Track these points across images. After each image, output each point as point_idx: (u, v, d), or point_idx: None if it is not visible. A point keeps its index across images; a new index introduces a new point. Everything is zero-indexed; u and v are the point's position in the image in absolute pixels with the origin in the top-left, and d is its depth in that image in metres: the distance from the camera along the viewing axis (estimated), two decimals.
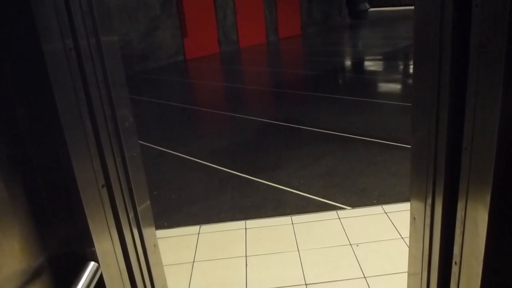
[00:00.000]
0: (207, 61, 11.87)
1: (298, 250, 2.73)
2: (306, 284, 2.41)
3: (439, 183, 0.95)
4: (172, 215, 3.36)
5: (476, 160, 0.79)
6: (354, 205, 3.25)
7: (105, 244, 0.98)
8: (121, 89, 1.06)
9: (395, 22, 18.18)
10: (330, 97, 6.74)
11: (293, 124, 5.44)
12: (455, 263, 0.92)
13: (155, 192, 3.78)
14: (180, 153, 4.73)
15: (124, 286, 1.07)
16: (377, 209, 3.14)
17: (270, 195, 3.53)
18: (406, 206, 3.09)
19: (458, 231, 0.89)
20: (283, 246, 2.79)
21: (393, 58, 10.23)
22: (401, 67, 9.45)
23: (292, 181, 3.76)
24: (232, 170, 4.12)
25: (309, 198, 3.42)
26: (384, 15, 22.08)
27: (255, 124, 5.69)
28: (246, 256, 2.72)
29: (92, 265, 0.88)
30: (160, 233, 3.06)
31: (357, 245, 2.71)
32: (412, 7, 0.99)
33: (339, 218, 3.05)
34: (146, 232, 1.20)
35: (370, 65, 9.90)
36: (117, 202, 1.03)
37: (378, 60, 10.16)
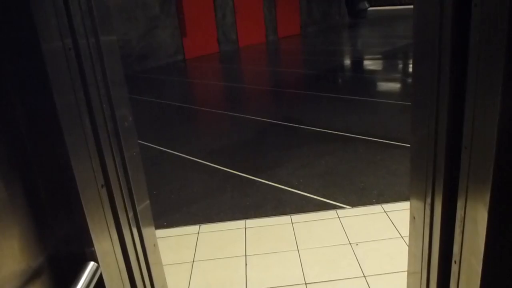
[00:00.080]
0: (207, 61, 11.87)
1: (297, 249, 2.73)
2: (306, 284, 2.41)
3: (438, 182, 0.95)
4: (171, 214, 3.36)
5: (476, 159, 0.79)
6: (353, 204, 3.25)
7: (105, 244, 0.98)
8: (121, 88, 1.06)
9: (394, 21, 18.19)
10: (330, 96, 6.74)
11: (292, 124, 5.44)
12: (455, 262, 0.92)
13: (154, 192, 3.78)
14: (180, 153, 4.73)
15: (123, 286, 1.07)
16: (376, 208, 3.14)
17: (270, 195, 3.53)
18: (405, 205, 3.09)
19: (457, 230, 0.89)
20: (282, 245, 2.79)
21: (392, 57, 10.23)
22: (401, 66, 9.45)
23: (292, 180, 3.76)
24: (232, 170, 4.12)
25: (309, 197, 3.42)
26: (384, 14, 22.08)
27: (254, 123, 5.69)
28: (245, 256, 2.72)
29: (91, 265, 0.88)
30: (160, 232, 3.06)
31: (357, 244, 2.71)
32: (412, 6, 0.99)
33: (338, 217, 3.05)
34: (146, 231, 1.20)
35: (370, 64, 9.90)
36: (116, 202, 1.03)
37: (378, 59, 10.17)
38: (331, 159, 4.14)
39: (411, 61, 8.65)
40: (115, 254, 1.03)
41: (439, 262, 1.00)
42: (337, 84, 8.07)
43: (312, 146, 4.57)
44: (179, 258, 2.76)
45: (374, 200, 3.28)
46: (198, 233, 3.04)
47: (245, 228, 3.03)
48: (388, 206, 3.14)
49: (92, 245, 0.91)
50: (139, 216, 1.15)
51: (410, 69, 8.32)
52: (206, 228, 3.10)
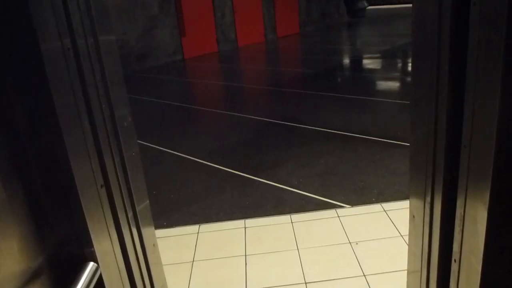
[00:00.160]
0: (206, 60, 11.86)
1: (297, 248, 2.73)
2: (305, 283, 2.41)
3: (438, 181, 0.95)
4: (171, 214, 3.36)
5: (475, 158, 0.79)
6: (353, 203, 3.25)
7: (104, 244, 0.98)
8: (120, 88, 1.06)
9: (393, 20, 18.19)
10: (329, 96, 6.74)
11: (292, 123, 5.44)
12: (455, 260, 0.92)
13: (154, 192, 3.78)
14: (179, 153, 4.73)
15: (123, 286, 1.07)
16: (376, 207, 3.14)
17: (269, 194, 3.53)
18: (405, 204, 3.09)
19: (457, 229, 0.89)
20: (282, 245, 2.79)
21: (391, 56, 10.24)
22: (400, 65, 9.46)
23: (291, 179, 3.76)
24: (231, 169, 4.12)
25: (308, 197, 3.42)
26: (382, 13, 22.08)
27: (254, 123, 5.69)
28: (245, 255, 2.72)
29: (91, 265, 0.88)
30: (159, 232, 3.06)
31: (357, 243, 2.71)
32: (410, 5, 0.99)
33: (338, 217, 3.06)
34: (145, 231, 1.20)
35: (369, 63, 9.90)
36: (116, 202, 1.03)
37: (377, 58, 10.17)
38: (330, 159, 4.14)
39: (410, 60, 8.65)
40: (114, 254, 1.03)
41: (439, 260, 1.00)
42: (336, 83, 8.07)
43: (311, 145, 4.57)
44: (179, 258, 2.75)
45: (373, 199, 3.28)
46: (198, 232, 3.04)
47: (245, 228, 3.04)
48: (387, 205, 3.14)
49: (92, 246, 0.90)
50: (138, 216, 1.15)
51: (409, 68, 8.32)
52: (206, 227, 3.10)
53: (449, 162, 0.90)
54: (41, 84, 0.79)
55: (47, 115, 0.81)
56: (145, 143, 5.07)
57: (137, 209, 1.14)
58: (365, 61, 10.16)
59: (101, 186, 0.98)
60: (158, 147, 4.95)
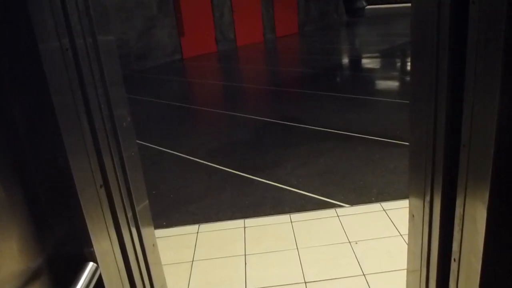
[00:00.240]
0: (205, 60, 11.86)
1: (297, 248, 2.73)
2: (305, 282, 2.41)
3: (437, 180, 0.95)
4: (170, 214, 3.36)
5: (474, 157, 0.79)
6: (352, 202, 3.26)
7: (104, 244, 0.98)
8: (119, 88, 1.06)
9: (392, 20, 18.19)
10: (328, 95, 6.74)
11: (291, 122, 5.44)
12: (454, 260, 0.92)
13: (153, 192, 3.78)
14: (178, 152, 4.73)
15: (123, 286, 1.07)
16: (375, 206, 3.14)
17: (269, 194, 3.53)
18: (404, 203, 3.10)
19: (457, 228, 0.89)
20: (282, 244, 2.79)
21: (390, 56, 10.24)
22: (399, 64, 9.46)
23: (291, 179, 3.76)
24: (231, 169, 4.12)
25: (308, 196, 3.42)
26: (381, 12, 22.08)
27: (253, 122, 5.69)
28: (245, 255, 2.72)
29: (90, 265, 0.88)
30: (159, 232, 3.06)
31: (356, 243, 2.71)
32: (409, 5, 0.99)
33: (338, 216, 3.06)
34: (145, 231, 1.19)
35: (368, 62, 9.90)
36: (115, 202, 1.03)
37: (376, 57, 10.17)
38: (330, 158, 4.14)
39: (409, 60, 8.65)
40: (114, 254, 1.03)
41: (439, 260, 1.00)
42: (335, 82, 8.07)
43: (311, 145, 4.57)
44: (178, 258, 2.75)
45: (373, 199, 3.28)
46: (198, 232, 3.04)
47: (245, 228, 3.03)
48: (387, 205, 3.14)
49: (91, 246, 0.90)
50: (138, 216, 1.15)
51: (408, 68, 8.32)
52: (206, 227, 3.10)
53: (448, 162, 0.90)
54: (39, 84, 0.79)
55: (46, 115, 0.81)
56: (144, 143, 5.07)
57: (137, 209, 1.14)
58: (364, 61, 10.16)
59: (101, 186, 0.98)
60: (157, 147, 4.95)
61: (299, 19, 16.68)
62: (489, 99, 0.72)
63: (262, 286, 2.43)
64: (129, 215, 1.11)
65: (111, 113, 1.02)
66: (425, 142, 0.97)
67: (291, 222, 3.05)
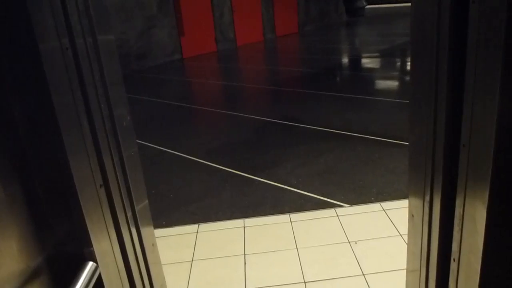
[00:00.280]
0: (205, 60, 11.86)
1: (296, 248, 2.73)
2: (304, 282, 2.41)
3: (437, 180, 0.95)
4: (170, 214, 3.36)
5: (474, 157, 0.79)
6: (352, 202, 3.26)
7: (103, 243, 0.98)
8: (118, 88, 1.06)
9: (392, 19, 18.19)
10: (328, 95, 6.74)
11: (291, 122, 5.44)
12: (454, 260, 0.92)
13: (153, 191, 3.78)
14: (178, 152, 4.73)
15: (122, 285, 1.07)
16: (375, 206, 3.14)
17: (269, 193, 3.53)
18: (404, 203, 3.10)
19: (456, 228, 0.89)
20: (281, 244, 2.79)
21: (390, 55, 10.24)
22: (399, 64, 9.46)
23: (291, 179, 3.76)
24: (230, 169, 4.12)
25: (308, 196, 3.42)
26: (381, 12, 22.09)
27: (253, 122, 5.69)
28: (244, 255, 2.72)
29: (90, 265, 0.88)
30: (159, 232, 3.06)
31: (356, 243, 2.71)
32: (409, 4, 0.99)
33: (337, 216, 3.06)
34: (144, 231, 1.20)
35: (368, 62, 9.90)
36: (115, 202, 1.03)
37: (376, 57, 10.17)
38: (330, 158, 4.14)
39: (409, 59, 8.65)
40: (114, 254, 1.03)
41: (438, 260, 1.00)
42: (335, 82, 8.07)
43: (310, 144, 4.57)
44: (178, 257, 2.75)
45: (373, 198, 3.28)
46: (197, 232, 3.04)
47: (244, 227, 3.03)
48: (386, 204, 3.14)
49: (91, 245, 0.90)
50: (137, 215, 1.15)
51: (408, 67, 8.32)
52: (205, 227, 3.10)
53: (448, 161, 0.90)
54: (39, 84, 0.79)
55: (46, 114, 0.81)
56: (144, 142, 5.07)
57: (136, 208, 1.14)
58: (364, 60, 10.16)
59: (100, 186, 0.98)
60: (157, 147, 4.95)
61: (299, 19, 16.68)
62: (489, 99, 0.72)
63: (261, 286, 2.43)
64: (129, 214, 1.11)
65: (111, 113, 1.02)
66: (425, 142, 0.97)
67: (291, 222, 3.05)
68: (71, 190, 0.86)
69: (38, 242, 0.83)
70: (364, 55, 10.85)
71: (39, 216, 0.84)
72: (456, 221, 0.88)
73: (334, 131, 4.92)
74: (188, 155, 4.60)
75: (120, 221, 1.06)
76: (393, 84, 7.61)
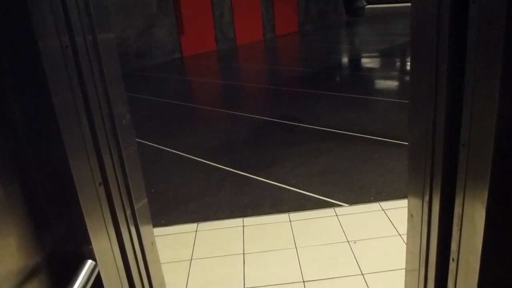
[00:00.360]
0: (204, 59, 11.85)
1: (295, 247, 2.73)
2: (303, 281, 2.42)
3: (436, 180, 0.95)
4: (169, 213, 3.36)
5: (474, 157, 0.79)
6: (351, 202, 3.26)
7: (103, 242, 0.98)
8: (118, 86, 1.06)
9: (392, 19, 18.19)
10: (328, 94, 6.74)
11: (290, 122, 5.44)
12: (453, 259, 0.92)
13: (152, 190, 3.78)
14: (178, 151, 4.73)
15: (121, 284, 1.07)
16: (374, 206, 3.15)
17: (268, 193, 3.53)
18: (403, 203, 3.10)
19: (455, 228, 0.89)
20: (280, 243, 2.79)
21: (390, 55, 10.24)
22: (398, 64, 9.46)
23: (290, 178, 3.76)
24: (230, 168, 4.12)
25: (307, 196, 3.42)
26: (381, 12, 22.08)
27: (252, 121, 5.69)
28: (243, 254, 2.72)
29: (89, 263, 0.88)
30: (158, 231, 3.06)
31: (355, 242, 2.71)
32: (409, 4, 0.99)
33: (336, 215, 3.06)
34: (144, 230, 1.20)
35: (368, 62, 9.90)
36: (114, 200, 1.03)
37: (376, 57, 10.17)
38: (329, 157, 4.14)
39: (409, 59, 8.65)
40: (113, 252, 1.03)
41: (437, 259, 1.00)
42: (335, 82, 8.07)
43: (310, 144, 4.57)
44: (177, 256, 2.75)
45: (372, 198, 3.28)
46: (196, 231, 3.04)
47: (243, 226, 3.04)
48: (386, 204, 3.14)
49: (90, 243, 0.90)
50: (137, 214, 1.15)
51: (408, 67, 8.32)
52: (204, 226, 3.10)
53: (447, 161, 0.90)
54: (39, 82, 0.79)
55: (46, 113, 0.81)
56: (143, 141, 5.07)
57: (136, 207, 1.14)
58: (364, 60, 10.16)
59: (100, 184, 0.97)
60: (157, 145, 4.95)
61: (299, 19, 16.67)
62: (489, 99, 0.72)
63: (260, 285, 2.43)
64: (128, 213, 1.11)
65: (110, 111, 1.02)
66: (425, 141, 0.97)
67: (290, 221, 3.05)
68: (70, 188, 0.86)
69: (37, 241, 0.83)
70: (364, 55, 10.85)
71: (39, 215, 0.84)
72: (455, 221, 0.89)
73: (334, 130, 4.92)
74: (187, 154, 4.60)
75: (119, 219, 1.06)
76: (392, 84, 7.62)
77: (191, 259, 2.72)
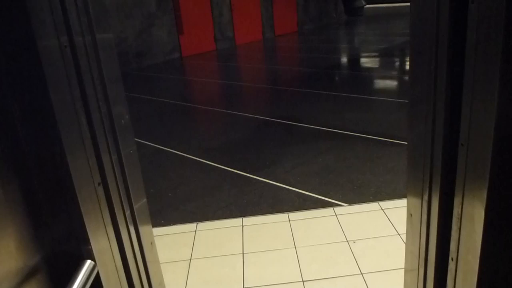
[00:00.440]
0: (203, 58, 11.85)
1: (295, 247, 2.73)
2: (303, 281, 2.42)
3: (435, 179, 0.95)
4: (168, 212, 3.36)
5: (473, 156, 0.79)
6: (350, 201, 3.26)
7: (102, 242, 0.98)
8: (117, 86, 1.06)
9: (391, 19, 18.20)
10: (327, 94, 6.74)
11: (289, 121, 5.44)
12: (452, 259, 0.92)
13: (151, 190, 3.77)
14: (177, 151, 4.73)
15: (120, 284, 1.07)
16: (373, 205, 3.15)
17: (267, 192, 3.54)
18: (402, 202, 3.10)
19: (454, 227, 0.89)
20: (280, 243, 2.79)
21: (389, 55, 10.24)
22: (398, 63, 9.46)
23: (289, 178, 3.76)
24: (229, 168, 4.12)
25: (306, 195, 3.43)
26: (380, 11, 22.09)
27: (251, 121, 5.69)
28: (243, 254, 2.72)
29: (88, 263, 0.88)
30: (157, 230, 3.06)
31: (354, 242, 2.71)
32: (408, 4, 0.99)
33: (336, 215, 3.06)
34: (143, 230, 1.19)
35: (367, 62, 9.91)
36: (113, 200, 1.03)
37: (375, 56, 10.17)
38: (328, 157, 4.14)
39: (408, 59, 8.66)
40: (112, 252, 1.03)
41: (436, 259, 1.00)
42: (334, 82, 8.07)
43: (309, 144, 4.57)
44: (176, 256, 2.75)
45: (371, 198, 3.28)
46: (196, 231, 3.04)
47: (242, 226, 3.04)
48: (385, 204, 3.15)
49: (89, 243, 0.90)
50: (136, 214, 1.15)
51: (407, 67, 8.32)
52: (203, 226, 3.10)
53: (446, 160, 0.90)
54: (38, 82, 0.79)
55: (44, 113, 0.81)
56: (142, 141, 5.07)
57: (135, 207, 1.14)
58: (363, 60, 10.16)
59: (99, 184, 0.97)
60: (156, 145, 4.95)
61: (298, 18, 16.67)
62: (488, 98, 0.72)
63: (259, 285, 2.43)
64: (127, 213, 1.11)
65: (109, 111, 1.02)
66: (424, 141, 0.97)
67: (289, 220, 3.05)
68: (69, 188, 0.86)
69: (36, 241, 0.82)
70: (363, 54, 10.85)
71: (37, 215, 0.84)
72: (455, 221, 0.89)
73: (333, 130, 4.92)
74: (186, 154, 4.59)
75: (118, 219, 1.05)
76: (392, 83, 7.62)
77: (191, 259, 2.72)
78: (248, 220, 3.11)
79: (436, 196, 0.96)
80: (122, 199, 1.08)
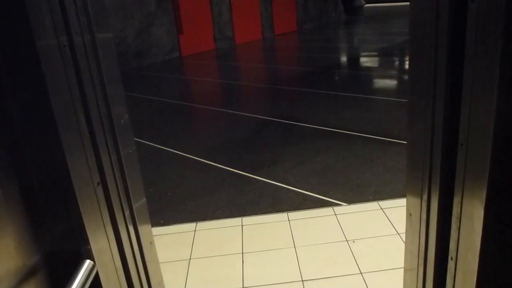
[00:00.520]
0: (203, 58, 11.84)
1: (294, 246, 2.74)
2: (302, 281, 2.42)
3: (435, 178, 0.95)
4: (168, 212, 3.36)
5: (472, 156, 0.79)
6: (350, 201, 3.26)
7: (101, 242, 0.98)
8: (116, 86, 1.06)
9: (390, 18, 18.20)
10: (326, 94, 6.74)
11: (289, 121, 5.44)
12: (451, 258, 0.92)
13: (151, 190, 3.77)
14: (176, 150, 4.72)
15: (120, 284, 1.07)
16: (373, 205, 3.15)
17: (266, 192, 3.54)
18: (402, 202, 3.10)
19: (454, 227, 0.89)
20: (279, 242, 2.79)
21: (389, 54, 10.24)
22: (397, 63, 9.46)
23: (288, 177, 3.76)
24: (228, 167, 4.12)
25: (305, 195, 3.43)
26: (380, 11, 22.09)
27: (251, 120, 5.69)
28: (242, 253, 2.72)
29: (87, 263, 0.88)
30: (156, 230, 3.06)
31: (353, 241, 2.71)
32: (408, 3, 0.99)
33: (335, 215, 3.06)
34: (142, 229, 1.19)
35: (366, 61, 9.91)
36: (112, 200, 1.03)
37: (374, 56, 10.17)
38: (327, 156, 4.14)
39: (407, 58, 8.66)
40: (111, 252, 1.03)
41: (436, 258, 1.00)
42: (333, 81, 8.07)
43: (308, 143, 4.57)
44: (175, 256, 2.75)
45: (370, 197, 3.28)
46: (195, 230, 3.04)
47: (242, 226, 3.04)
48: (384, 203, 3.15)
49: (88, 243, 0.90)
50: (135, 214, 1.15)
51: (407, 66, 8.33)
52: (203, 225, 3.10)
53: (446, 160, 0.90)
54: (37, 81, 0.79)
55: (44, 113, 0.81)
56: (142, 140, 5.06)
57: (134, 206, 1.14)
58: (362, 59, 10.16)
59: (98, 184, 0.97)
60: (155, 145, 4.94)
61: (297, 17, 16.67)
62: (487, 98, 0.72)
63: (259, 284, 2.43)
64: (127, 213, 1.11)
65: (109, 111, 1.02)
66: (423, 140, 0.97)
67: (289, 220, 3.05)
68: (68, 188, 0.86)
69: (35, 240, 0.82)
70: (362, 54, 10.85)
71: (37, 214, 0.84)
72: (454, 220, 0.89)
73: (332, 129, 4.92)
74: (186, 154, 4.59)
75: (117, 219, 1.05)
76: (391, 83, 7.62)
77: (190, 258, 2.72)
78: (248, 220, 3.11)
79: (435, 196, 0.96)
80: (122, 199, 1.08)
